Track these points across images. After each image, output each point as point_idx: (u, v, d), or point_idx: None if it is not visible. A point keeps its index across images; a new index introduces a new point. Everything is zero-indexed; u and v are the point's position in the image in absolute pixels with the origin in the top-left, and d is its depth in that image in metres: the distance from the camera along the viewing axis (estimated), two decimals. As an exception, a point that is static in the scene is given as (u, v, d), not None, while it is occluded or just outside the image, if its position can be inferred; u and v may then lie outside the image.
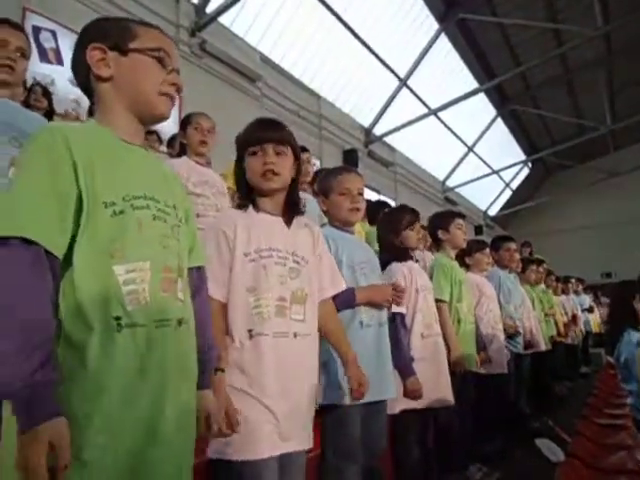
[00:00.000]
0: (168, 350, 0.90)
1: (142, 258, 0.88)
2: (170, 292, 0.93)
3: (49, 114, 2.98)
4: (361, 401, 1.59)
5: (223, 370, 1.19)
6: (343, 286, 1.52)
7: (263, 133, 1.37)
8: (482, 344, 2.79)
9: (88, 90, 0.99)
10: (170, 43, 1.03)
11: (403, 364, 1.99)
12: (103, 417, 0.80)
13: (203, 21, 6.00)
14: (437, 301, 2.43)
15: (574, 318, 5.88)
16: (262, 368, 1.22)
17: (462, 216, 2.87)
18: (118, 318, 0.83)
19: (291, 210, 1.42)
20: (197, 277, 1.10)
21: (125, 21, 1.01)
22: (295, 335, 1.30)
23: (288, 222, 1.40)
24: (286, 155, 1.37)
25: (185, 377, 0.96)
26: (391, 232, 2.26)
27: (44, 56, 4.55)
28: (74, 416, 0.78)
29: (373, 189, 9.15)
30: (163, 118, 1.03)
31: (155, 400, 0.87)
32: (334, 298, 1.52)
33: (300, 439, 1.29)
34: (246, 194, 1.40)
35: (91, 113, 2.89)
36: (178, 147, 2.89)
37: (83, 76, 0.98)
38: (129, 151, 0.98)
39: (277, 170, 1.33)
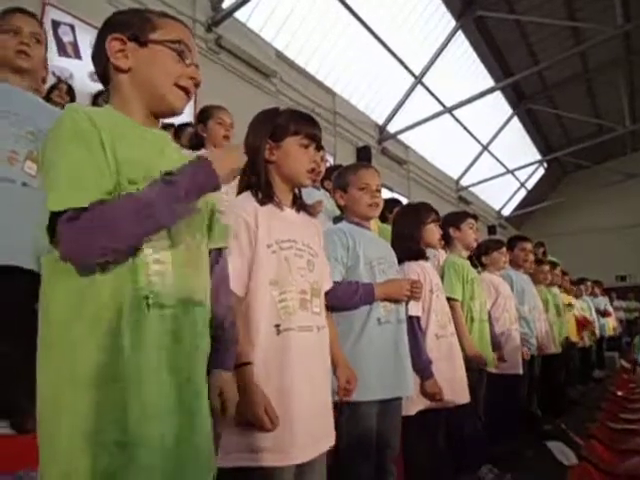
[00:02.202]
0: (199, 330, 0.91)
1: (162, 237, 0.87)
2: (192, 271, 0.93)
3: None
4: (377, 398, 1.59)
5: (251, 363, 1.16)
6: (331, 282, 1.50)
7: (317, 131, 1.37)
8: (497, 344, 2.76)
9: (106, 80, 0.99)
10: (190, 36, 1.02)
11: (422, 366, 1.98)
12: (144, 400, 0.80)
13: (219, 16, 6.01)
14: (449, 300, 2.41)
15: (585, 320, 5.81)
16: (289, 365, 1.19)
17: (475, 217, 2.86)
18: (146, 297, 0.84)
19: (298, 202, 1.41)
20: (214, 258, 1.07)
21: (146, 12, 1.00)
22: (318, 329, 1.29)
23: (297, 210, 1.40)
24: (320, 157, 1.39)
25: (205, 360, 0.96)
26: (415, 224, 2.23)
27: (62, 50, 4.59)
28: (115, 400, 0.79)
29: (386, 187, 9.10)
30: (176, 112, 1.02)
31: (191, 381, 0.88)
32: (336, 294, 1.50)
33: (327, 438, 1.28)
34: (268, 185, 1.33)
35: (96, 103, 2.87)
36: (188, 139, 2.88)
37: (102, 66, 0.98)
38: (148, 133, 0.97)
39: (318, 170, 1.35)
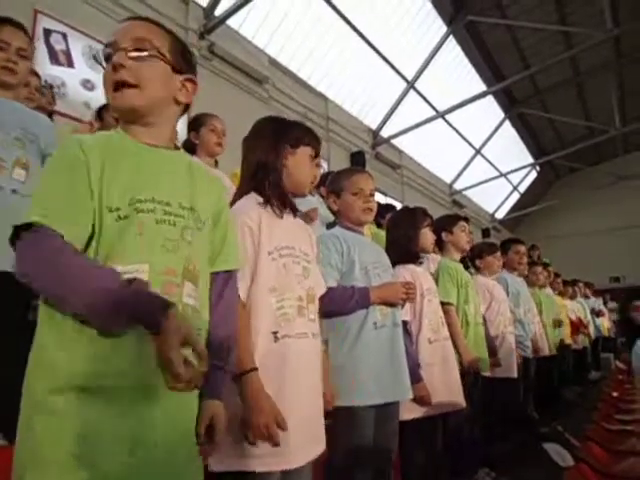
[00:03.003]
0: None
1: (140, 261, 0.87)
2: (173, 296, 0.89)
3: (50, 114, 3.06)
4: (374, 402, 1.58)
5: (257, 369, 1.15)
6: (324, 288, 1.50)
7: (320, 145, 1.42)
8: (493, 348, 2.77)
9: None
10: (118, 34, 0.98)
11: (410, 371, 1.93)
12: (84, 418, 0.81)
13: (212, 24, 6.02)
14: (444, 304, 2.41)
15: (580, 322, 5.83)
16: (288, 372, 1.19)
17: (467, 220, 2.87)
18: None
19: (293, 208, 1.42)
20: (222, 281, 1.05)
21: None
22: (313, 335, 1.29)
23: (294, 216, 1.41)
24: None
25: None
26: (411, 227, 2.24)
27: (54, 58, 4.58)
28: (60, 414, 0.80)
29: (380, 191, 9.12)
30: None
31: (147, 410, 0.84)
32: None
33: (320, 443, 1.28)
34: (282, 192, 1.34)
35: (100, 116, 2.93)
36: (182, 147, 2.89)
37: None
38: (149, 153, 0.98)
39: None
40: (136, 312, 0.79)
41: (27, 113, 1.71)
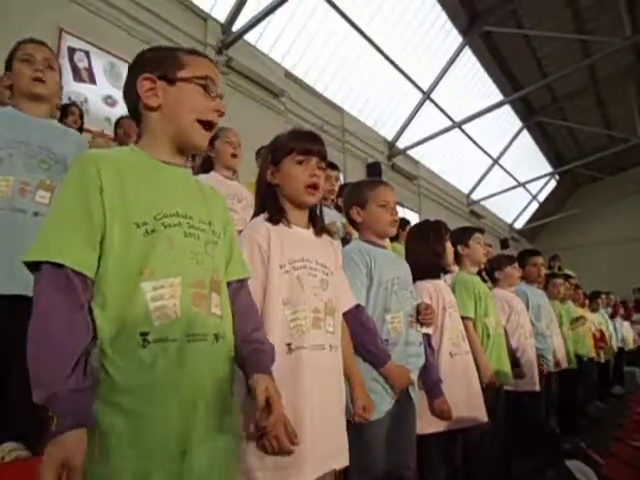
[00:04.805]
0: (203, 365, 0.90)
1: (172, 274, 0.90)
2: (202, 307, 0.93)
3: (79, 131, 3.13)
4: (381, 415, 1.56)
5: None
6: (354, 301, 1.51)
7: (312, 145, 1.36)
8: (517, 360, 2.72)
9: (137, 116, 1.03)
10: (215, 70, 1.05)
11: (431, 385, 1.93)
12: (126, 433, 0.81)
13: (229, 39, 6.14)
14: (462, 318, 2.37)
15: (602, 336, 5.69)
16: (301, 383, 1.18)
17: (482, 232, 2.82)
18: (144, 334, 0.85)
19: (316, 221, 1.42)
20: (235, 289, 1.08)
21: (175, 50, 1.04)
22: (331, 347, 1.29)
23: (317, 234, 1.40)
24: (324, 171, 1.38)
25: (221, 394, 0.95)
26: (437, 242, 2.20)
27: (78, 76, 4.72)
28: (99, 429, 0.81)
29: (397, 202, 9.07)
30: (197, 148, 1.06)
31: (186, 416, 0.87)
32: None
33: (338, 457, 1.26)
34: (276, 206, 1.35)
35: (116, 135, 3.00)
36: (200, 161, 2.92)
37: (133, 103, 1.02)
38: (165, 170, 1.00)
39: (319, 185, 1.34)
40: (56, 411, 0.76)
41: (55, 130, 1.71)
